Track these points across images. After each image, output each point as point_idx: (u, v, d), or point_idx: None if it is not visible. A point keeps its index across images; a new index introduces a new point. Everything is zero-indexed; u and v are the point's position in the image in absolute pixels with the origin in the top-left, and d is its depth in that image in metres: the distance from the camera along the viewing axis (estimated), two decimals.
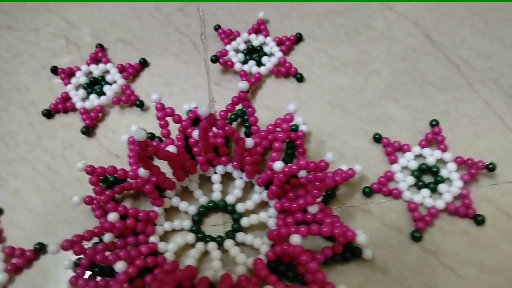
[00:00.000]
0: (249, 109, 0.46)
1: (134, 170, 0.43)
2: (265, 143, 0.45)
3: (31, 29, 0.60)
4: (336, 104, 0.52)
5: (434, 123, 0.49)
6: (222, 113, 0.47)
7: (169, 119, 0.45)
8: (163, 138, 0.45)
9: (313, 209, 0.41)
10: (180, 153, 0.43)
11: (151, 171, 0.41)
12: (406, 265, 0.42)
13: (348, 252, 0.42)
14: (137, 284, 0.40)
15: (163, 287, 0.35)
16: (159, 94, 0.44)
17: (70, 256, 0.42)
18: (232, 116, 0.49)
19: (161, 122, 0.44)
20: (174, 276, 0.36)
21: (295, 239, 0.37)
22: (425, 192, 0.45)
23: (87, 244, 0.43)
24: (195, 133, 0.44)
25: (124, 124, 0.53)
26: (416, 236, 0.43)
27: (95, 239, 0.42)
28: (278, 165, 0.41)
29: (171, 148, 0.43)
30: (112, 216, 0.42)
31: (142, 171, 0.42)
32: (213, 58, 0.52)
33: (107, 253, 0.39)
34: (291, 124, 0.45)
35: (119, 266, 0.39)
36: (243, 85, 0.43)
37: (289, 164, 0.40)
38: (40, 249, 0.45)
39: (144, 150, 0.38)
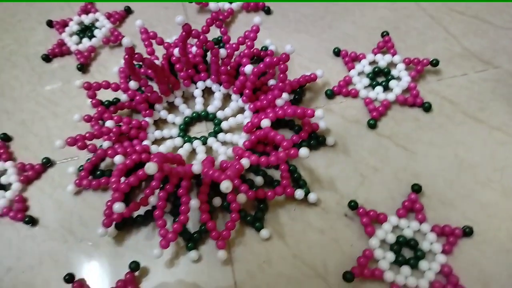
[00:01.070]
0: (222, 29, 0.53)
1: (123, 83, 0.50)
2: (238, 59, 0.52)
3: None
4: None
5: (384, 34, 0.56)
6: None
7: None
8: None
9: (280, 101, 0.48)
10: (164, 69, 0.50)
11: (139, 82, 0.48)
12: (364, 148, 0.49)
13: (314, 140, 0.49)
14: (133, 179, 0.45)
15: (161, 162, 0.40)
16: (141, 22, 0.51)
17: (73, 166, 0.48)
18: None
19: (145, 43, 0.51)
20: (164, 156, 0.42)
21: (266, 122, 0.44)
22: (379, 89, 0.52)
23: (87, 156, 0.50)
24: (176, 51, 0.51)
25: (114, 61, 0.59)
26: (372, 124, 0.50)
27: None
28: (248, 68, 0.48)
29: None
30: (109, 123, 0.49)
31: (132, 83, 0.49)
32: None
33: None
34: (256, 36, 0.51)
35: (118, 159, 0.46)
36: None
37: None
38: (47, 163, 0.51)
39: (131, 56, 0.45)
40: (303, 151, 0.41)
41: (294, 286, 0.41)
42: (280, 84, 0.47)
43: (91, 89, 0.49)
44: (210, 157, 0.45)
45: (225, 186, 0.37)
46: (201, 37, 0.46)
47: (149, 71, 0.50)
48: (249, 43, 0.49)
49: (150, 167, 0.37)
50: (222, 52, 0.48)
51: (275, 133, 0.43)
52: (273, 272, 0.42)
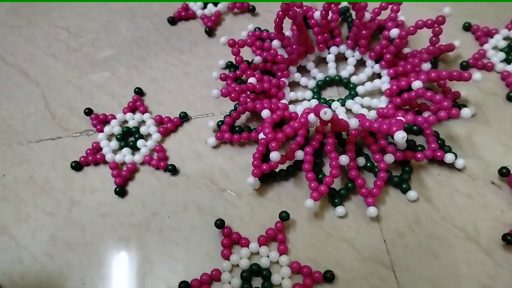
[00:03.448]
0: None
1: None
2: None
3: None
4: None
5: None
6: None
7: None
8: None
9: (426, 65, 0.48)
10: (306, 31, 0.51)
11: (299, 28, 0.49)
12: (505, 119, 0.49)
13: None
14: (288, 130, 0.45)
15: None
16: None
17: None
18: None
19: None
20: None
21: (418, 84, 0.44)
22: None
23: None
24: (317, 14, 0.52)
25: (239, 26, 0.61)
26: (511, 97, 0.50)
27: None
28: (395, 32, 0.48)
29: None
30: (252, 80, 0.50)
31: (275, 42, 0.50)
32: None
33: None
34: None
35: (265, 113, 0.47)
36: None
37: None
38: (185, 116, 0.52)
39: (285, 11, 0.46)
40: (466, 111, 0.41)
41: (445, 248, 0.41)
42: (431, 47, 0.47)
43: (235, 46, 0.50)
44: (362, 115, 0.46)
45: (401, 136, 0.37)
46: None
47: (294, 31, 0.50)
48: (394, 7, 0.49)
49: (327, 112, 0.37)
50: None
51: (432, 93, 0.43)
52: (423, 232, 0.42)
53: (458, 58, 0.54)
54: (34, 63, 0.60)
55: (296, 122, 0.43)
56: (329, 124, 0.44)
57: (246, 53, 0.54)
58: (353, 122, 0.42)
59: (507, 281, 0.39)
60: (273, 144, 0.42)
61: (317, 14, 0.51)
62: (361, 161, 0.46)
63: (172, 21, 0.62)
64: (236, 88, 0.46)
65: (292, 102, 0.52)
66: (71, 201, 0.48)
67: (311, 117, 0.42)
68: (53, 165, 0.51)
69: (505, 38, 0.54)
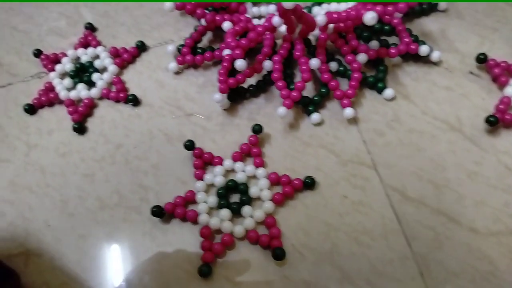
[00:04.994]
0: None
1: None
2: None
3: None
4: None
5: None
6: None
7: None
8: None
9: None
10: None
11: None
12: (478, 10, 0.46)
13: (426, 5, 0.46)
14: (252, 35, 0.42)
15: None
16: None
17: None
18: None
19: None
20: None
21: None
22: None
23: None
24: None
25: None
26: None
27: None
28: None
29: None
30: None
31: None
32: None
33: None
34: None
35: (226, 25, 0.44)
36: None
37: None
38: (142, 46, 0.49)
39: None
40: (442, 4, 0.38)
41: (428, 140, 0.39)
42: None
43: None
44: (328, 12, 0.43)
45: (371, 15, 0.34)
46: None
47: None
48: None
49: (288, 4, 0.34)
50: None
51: None
52: (403, 128, 0.40)
53: None
54: None
55: (260, 26, 0.39)
56: (296, 29, 0.40)
57: None
58: (320, 18, 0.39)
59: (492, 164, 0.37)
60: (237, 52, 0.39)
61: None
62: (333, 65, 0.43)
63: None
64: (192, 2, 0.42)
65: (255, 17, 0.49)
66: (28, 145, 0.44)
67: (276, 19, 0.38)
68: (5, 112, 0.47)
69: None
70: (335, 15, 0.38)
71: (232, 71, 0.41)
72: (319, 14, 0.42)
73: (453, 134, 0.39)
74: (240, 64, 0.38)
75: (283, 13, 0.38)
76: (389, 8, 0.40)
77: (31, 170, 0.43)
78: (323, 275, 0.34)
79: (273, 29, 0.40)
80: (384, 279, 0.33)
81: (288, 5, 0.35)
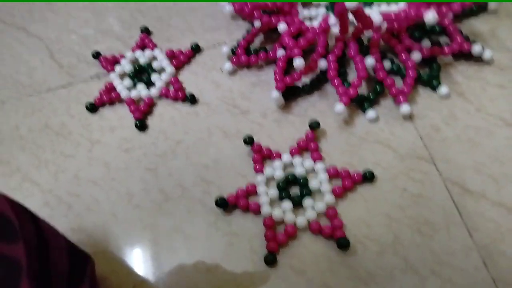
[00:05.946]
0: None
1: None
2: None
3: None
4: None
5: None
6: None
7: None
8: None
9: None
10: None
11: None
12: None
13: (475, 6, 0.47)
14: (309, 37, 0.44)
15: None
16: None
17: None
18: None
19: None
20: None
21: None
22: None
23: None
24: None
25: None
26: None
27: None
28: None
29: None
30: None
31: None
32: None
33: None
34: None
35: (282, 26, 0.45)
36: None
37: None
38: (196, 48, 0.51)
39: None
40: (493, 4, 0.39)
41: (485, 136, 0.40)
42: None
43: None
44: (384, 12, 0.44)
45: (432, 15, 0.35)
46: None
47: None
48: None
49: (352, 4, 0.36)
50: None
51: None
52: (459, 125, 0.41)
53: None
54: (34, 18, 0.58)
55: (316, 27, 0.41)
56: (350, 30, 0.42)
57: None
58: (377, 17, 0.40)
59: None
60: (296, 51, 0.40)
61: None
62: (387, 64, 0.44)
63: None
64: (249, 4, 0.44)
65: (306, 19, 0.50)
66: (91, 141, 0.46)
67: (331, 20, 0.40)
68: (68, 111, 0.49)
69: None
70: (392, 15, 0.39)
71: (286, 71, 0.43)
72: (372, 14, 0.44)
73: (508, 129, 0.40)
74: (299, 62, 0.40)
75: (341, 14, 0.39)
76: (444, 9, 0.41)
77: (95, 165, 0.45)
78: (387, 265, 0.35)
79: (327, 29, 0.42)
80: (448, 269, 0.34)
81: (352, 5, 0.36)
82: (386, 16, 0.40)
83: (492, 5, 0.46)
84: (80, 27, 0.56)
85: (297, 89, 0.45)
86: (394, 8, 0.47)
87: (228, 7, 0.45)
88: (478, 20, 0.48)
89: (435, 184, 0.38)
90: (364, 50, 0.45)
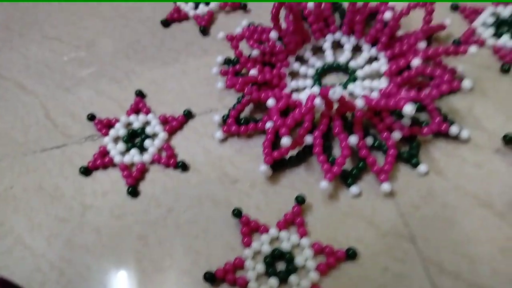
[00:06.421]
0: None
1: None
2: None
3: None
4: None
5: None
6: None
7: None
8: None
9: (422, 44, 0.49)
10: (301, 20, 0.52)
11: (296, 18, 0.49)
12: (501, 90, 0.51)
13: None
14: (297, 115, 0.46)
15: None
16: None
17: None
18: None
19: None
20: None
21: (417, 61, 0.46)
22: (505, 37, 0.53)
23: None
24: (310, 4, 0.53)
25: (233, 23, 0.61)
26: (506, 68, 0.51)
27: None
28: (388, 14, 0.49)
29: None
30: (253, 72, 0.50)
31: (273, 34, 0.51)
32: None
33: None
34: None
35: (271, 101, 0.48)
36: None
37: None
38: (188, 114, 0.53)
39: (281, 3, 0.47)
40: (467, 82, 0.42)
41: (461, 215, 0.43)
42: (424, 27, 0.48)
43: (234, 39, 0.51)
44: (366, 95, 0.47)
45: (410, 108, 0.38)
46: None
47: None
48: None
49: (337, 91, 0.38)
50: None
51: (432, 69, 0.45)
52: (437, 203, 0.44)
53: (449, 37, 0.56)
54: (30, 74, 0.60)
55: (303, 107, 0.43)
56: (335, 107, 0.44)
57: (244, 49, 0.54)
58: (360, 102, 0.43)
59: None
60: (283, 130, 0.43)
61: (310, 4, 0.52)
62: (369, 140, 0.46)
63: (166, 23, 0.62)
64: (240, 79, 0.47)
65: (293, 91, 0.53)
66: (84, 205, 0.48)
67: (317, 100, 0.43)
68: (62, 172, 0.50)
69: (492, 14, 0.56)
70: (373, 102, 0.41)
71: (274, 142, 0.45)
72: (355, 91, 0.46)
73: (484, 210, 0.43)
74: (286, 141, 0.42)
75: (325, 97, 0.42)
76: (423, 95, 0.44)
77: (87, 231, 0.46)
78: None
79: (313, 108, 0.44)
80: None
81: (335, 96, 0.39)
82: (367, 101, 0.42)
83: (466, 84, 0.49)
84: (76, 85, 0.58)
85: (284, 161, 0.47)
86: (376, 84, 0.50)
87: (220, 84, 0.48)
88: (456, 97, 0.50)
89: (415, 263, 0.40)
90: (349, 126, 0.47)
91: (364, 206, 0.44)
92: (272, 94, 0.48)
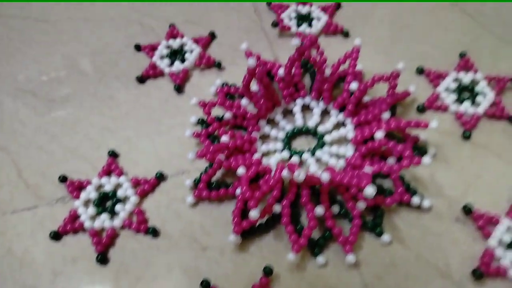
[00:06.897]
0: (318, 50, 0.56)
1: (227, 101, 0.53)
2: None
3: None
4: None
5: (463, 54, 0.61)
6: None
7: None
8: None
9: (386, 115, 0.51)
10: (272, 86, 0.54)
11: (252, 99, 0.51)
12: (462, 157, 0.53)
13: (416, 150, 0.52)
14: (265, 188, 0.48)
15: None
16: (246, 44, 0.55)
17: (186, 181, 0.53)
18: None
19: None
20: None
21: (380, 134, 0.48)
22: (467, 103, 0.56)
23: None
24: (281, 71, 0.55)
25: (206, 82, 0.63)
26: (467, 135, 0.54)
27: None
28: (354, 85, 0.52)
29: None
30: (225, 138, 0.52)
31: (244, 101, 0.52)
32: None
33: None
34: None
35: (241, 170, 0.49)
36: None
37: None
38: (160, 177, 0.54)
39: (252, 75, 0.48)
40: (426, 159, 0.45)
41: (422, 286, 0.44)
42: (389, 99, 0.50)
43: (206, 106, 0.52)
44: (331, 168, 0.48)
45: (370, 191, 0.40)
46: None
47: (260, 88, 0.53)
48: (352, 62, 0.53)
49: (301, 175, 0.40)
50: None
51: (393, 143, 0.47)
52: (399, 274, 0.45)
53: (414, 102, 0.58)
54: (2, 130, 0.60)
55: (271, 179, 0.45)
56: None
57: (217, 108, 0.56)
58: (324, 177, 0.44)
59: None
60: (252, 203, 0.44)
61: (281, 71, 0.54)
62: (335, 209, 0.48)
63: (141, 79, 0.63)
64: (211, 149, 0.48)
65: (264, 155, 0.54)
66: (53, 272, 0.48)
67: (285, 172, 0.44)
68: (31, 236, 0.51)
69: (454, 80, 0.59)
70: (337, 178, 0.43)
71: (244, 209, 0.47)
72: (323, 158, 0.49)
73: (443, 281, 0.44)
74: (254, 214, 0.43)
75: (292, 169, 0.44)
76: (385, 169, 0.45)
77: None
78: None
79: (281, 179, 0.46)
80: None
81: (300, 179, 0.40)
82: (332, 176, 0.44)
83: (425, 160, 0.50)
84: (49, 142, 0.58)
85: (253, 228, 0.48)
86: (343, 150, 0.52)
87: (190, 155, 0.49)
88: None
89: None
90: (316, 193, 0.49)
91: (330, 277, 0.45)
92: (243, 161, 0.49)
